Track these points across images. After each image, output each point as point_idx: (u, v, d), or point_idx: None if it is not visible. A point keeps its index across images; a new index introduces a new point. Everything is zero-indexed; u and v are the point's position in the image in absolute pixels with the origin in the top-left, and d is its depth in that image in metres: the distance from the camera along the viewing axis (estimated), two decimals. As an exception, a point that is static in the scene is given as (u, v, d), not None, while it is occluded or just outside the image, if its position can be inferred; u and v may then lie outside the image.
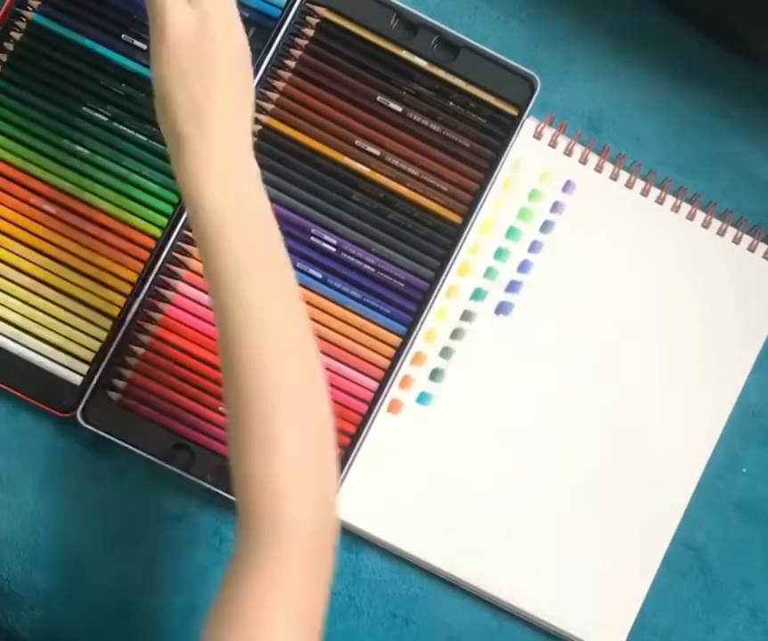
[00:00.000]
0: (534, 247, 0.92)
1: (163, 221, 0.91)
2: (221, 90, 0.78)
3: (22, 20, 0.92)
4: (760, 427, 0.92)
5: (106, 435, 0.88)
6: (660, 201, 0.92)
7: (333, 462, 0.77)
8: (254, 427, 0.74)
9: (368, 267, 0.92)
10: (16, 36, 0.92)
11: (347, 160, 0.93)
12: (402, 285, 0.92)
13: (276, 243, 0.79)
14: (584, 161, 0.93)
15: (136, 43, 0.93)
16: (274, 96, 0.93)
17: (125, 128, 0.92)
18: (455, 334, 0.91)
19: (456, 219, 0.92)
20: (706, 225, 0.92)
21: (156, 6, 0.79)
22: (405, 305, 0.91)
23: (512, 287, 0.92)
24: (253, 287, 0.76)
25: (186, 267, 0.91)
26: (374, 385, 0.91)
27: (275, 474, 0.73)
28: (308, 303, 0.90)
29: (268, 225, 0.79)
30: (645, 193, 0.92)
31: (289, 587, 0.72)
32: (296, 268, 0.90)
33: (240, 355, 0.75)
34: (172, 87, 0.79)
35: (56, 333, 0.90)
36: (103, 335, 0.90)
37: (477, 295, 0.92)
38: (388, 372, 0.90)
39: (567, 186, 0.93)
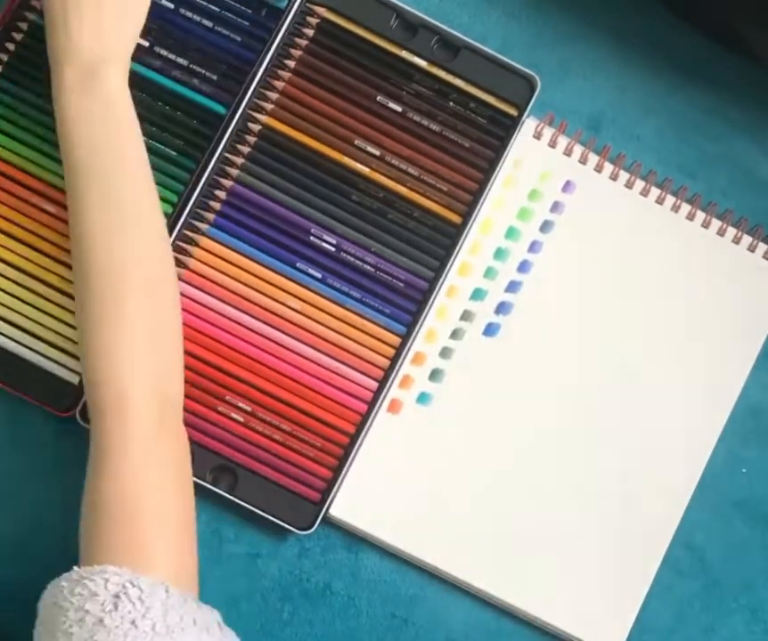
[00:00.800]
0: (533, 247, 0.92)
1: (163, 221, 0.91)
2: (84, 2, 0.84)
3: (24, 21, 0.93)
4: (760, 427, 0.92)
5: (105, 435, 0.88)
6: (660, 201, 0.92)
7: (174, 334, 0.82)
8: (99, 306, 0.80)
9: (368, 267, 0.92)
10: (17, 36, 0.92)
11: (346, 160, 0.93)
12: (401, 285, 0.92)
13: (126, 142, 0.84)
14: (583, 161, 0.93)
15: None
16: (274, 96, 0.93)
17: (125, 128, 0.92)
18: (455, 334, 0.91)
19: (456, 219, 0.92)
20: (706, 225, 0.92)
21: None
22: (405, 305, 0.91)
23: (512, 286, 0.92)
24: (100, 184, 0.82)
25: (185, 267, 0.91)
26: (374, 385, 0.90)
27: (117, 353, 0.78)
28: (308, 303, 0.91)
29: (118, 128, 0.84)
30: (645, 193, 0.92)
31: (145, 465, 0.76)
32: (295, 268, 0.91)
33: (88, 230, 0.81)
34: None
35: (55, 332, 0.90)
36: (103, 335, 0.90)
37: (477, 295, 0.92)
38: (388, 372, 0.90)
39: (567, 186, 0.93)
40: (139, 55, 0.92)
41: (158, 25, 0.93)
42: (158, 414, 0.78)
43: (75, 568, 0.74)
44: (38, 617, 0.75)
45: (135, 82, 0.91)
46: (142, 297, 0.80)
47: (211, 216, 0.91)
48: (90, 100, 0.83)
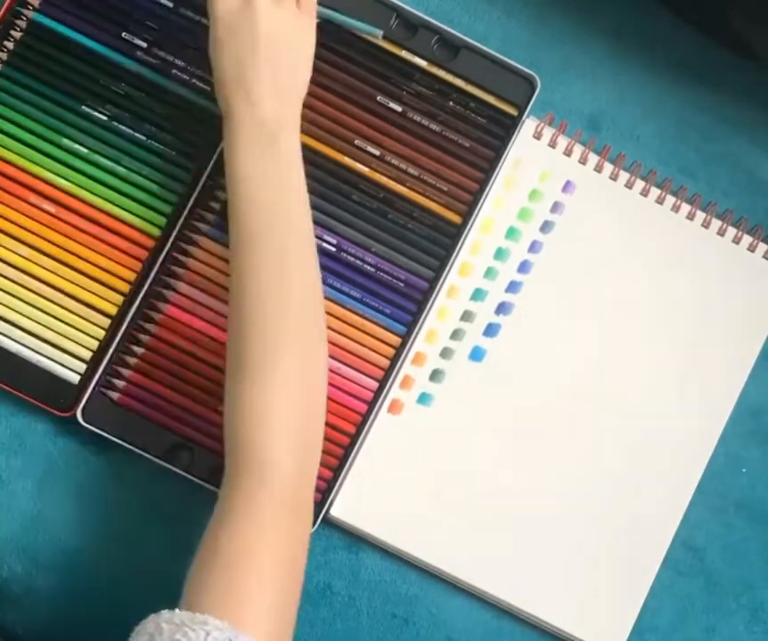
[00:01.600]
0: (534, 247, 0.92)
1: (162, 220, 0.91)
2: (261, 63, 0.84)
3: (23, 19, 0.92)
4: (760, 427, 0.92)
5: (106, 435, 0.88)
6: (660, 201, 0.92)
7: (320, 412, 0.82)
8: (253, 363, 0.79)
9: (368, 267, 0.92)
10: (16, 34, 0.92)
11: (346, 160, 0.92)
12: (402, 285, 0.92)
13: (297, 206, 0.84)
14: (583, 161, 0.93)
15: (136, 42, 0.93)
16: (274, 96, 0.93)
17: (124, 127, 0.92)
18: (456, 334, 0.91)
19: (456, 219, 0.92)
20: (706, 225, 0.92)
21: None
22: (405, 305, 0.91)
23: (512, 287, 0.92)
24: (270, 248, 0.82)
25: (186, 267, 0.91)
26: (374, 385, 0.90)
27: (270, 423, 0.78)
28: (308, 302, 0.91)
29: (292, 194, 0.84)
30: (645, 193, 0.92)
31: (270, 530, 0.76)
32: (296, 268, 0.90)
33: (251, 286, 0.81)
34: (218, 52, 0.85)
35: (54, 331, 0.90)
36: (101, 334, 0.90)
37: (478, 295, 0.92)
38: (388, 372, 0.90)
39: (567, 186, 0.93)
40: (139, 55, 0.92)
41: (157, 24, 0.93)
42: (294, 488, 0.78)
43: (177, 611, 0.72)
44: None
45: (135, 81, 0.92)
46: (297, 367, 0.80)
47: (212, 217, 0.91)
48: (269, 161, 0.83)
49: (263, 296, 0.80)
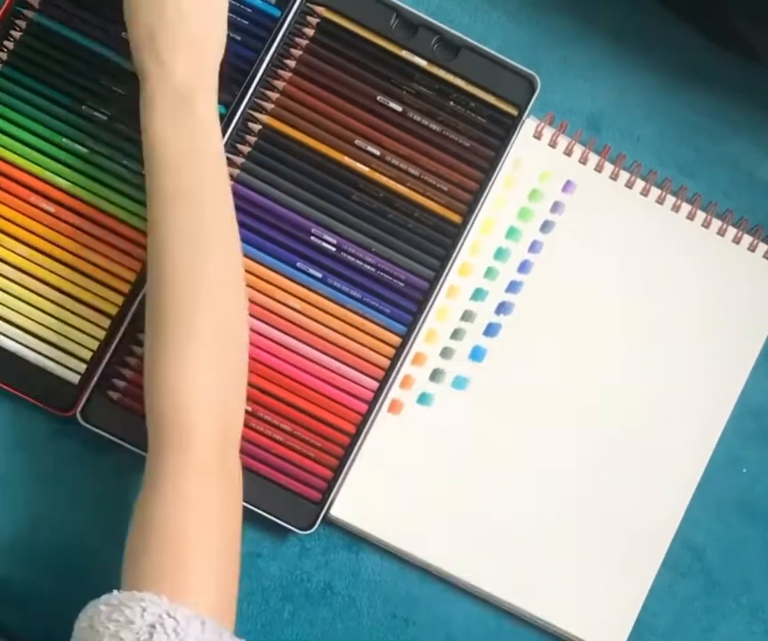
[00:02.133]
0: (534, 246, 0.92)
1: (162, 220, 0.91)
2: (172, 26, 0.83)
3: (23, 19, 0.92)
4: (760, 427, 0.92)
5: (106, 435, 0.88)
6: (660, 201, 0.92)
7: (241, 370, 0.81)
8: (170, 330, 0.79)
9: (368, 267, 0.91)
10: (16, 34, 0.92)
11: (347, 160, 0.92)
12: (402, 285, 0.91)
13: (210, 174, 0.84)
14: (584, 161, 0.93)
15: (136, 42, 0.92)
16: (274, 96, 0.92)
17: (124, 128, 0.92)
18: (456, 334, 0.91)
19: (456, 219, 0.92)
20: (706, 225, 0.92)
21: None
22: (405, 305, 0.91)
23: (513, 287, 0.92)
24: (184, 209, 0.81)
25: (186, 267, 0.91)
26: (374, 384, 0.90)
27: (186, 386, 0.77)
28: (308, 302, 0.91)
29: (204, 159, 0.84)
30: (645, 193, 0.92)
31: (198, 498, 0.76)
32: (296, 268, 0.90)
33: (167, 252, 0.81)
34: (131, 16, 0.85)
35: (54, 331, 0.90)
36: (102, 334, 0.90)
37: (478, 295, 0.92)
38: (388, 372, 0.90)
39: (568, 186, 0.93)
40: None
41: (157, 24, 0.93)
42: (217, 451, 0.78)
43: (114, 592, 0.73)
44: (73, 637, 0.74)
45: (136, 82, 0.92)
46: (212, 326, 0.79)
47: (211, 216, 0.91)
48: (182, 127, 0.82)
49: (177, 258, 0.80)
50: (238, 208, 0.90)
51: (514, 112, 0.93)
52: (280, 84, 0.93)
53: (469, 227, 0.92)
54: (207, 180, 0.83)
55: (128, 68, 0.92)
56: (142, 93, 0.84)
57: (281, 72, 0.93)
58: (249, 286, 0.90)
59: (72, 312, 0.90)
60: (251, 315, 0.90)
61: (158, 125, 0.82)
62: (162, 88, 0.83)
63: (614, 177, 0.93)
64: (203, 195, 0.82)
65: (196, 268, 0.80)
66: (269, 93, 0.92)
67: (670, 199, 0.92)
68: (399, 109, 0.93)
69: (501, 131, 0.93)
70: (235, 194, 0.91)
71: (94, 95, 0.92)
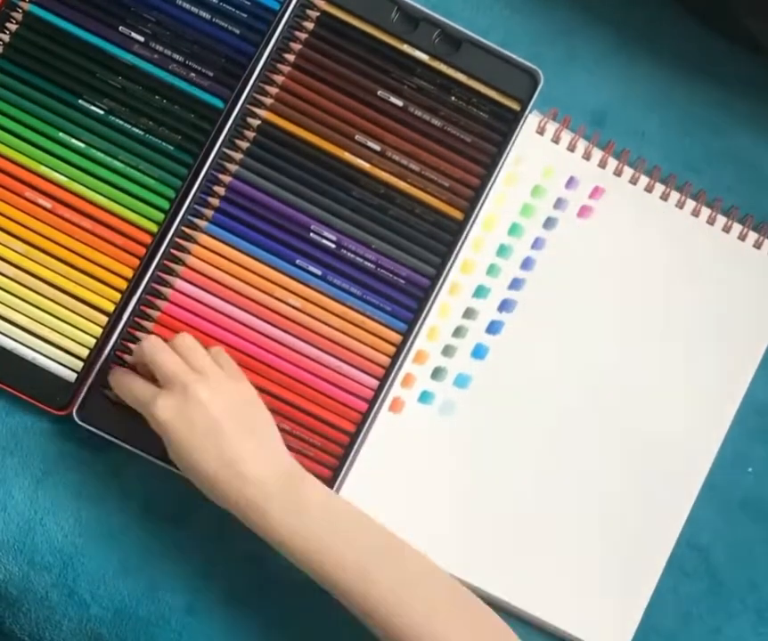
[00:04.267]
0: (537, 243, 0.91)
1: (159, 216, 0.90)
2: (234, 436, 0.80)
3: (18, 11, 0.92)
4: (766, 426, 0.91)
5: (103, 434, 0.87)
6: (665, 198, 0.92)
7: None
8: None
9: (368, 264, 0.91)
10: (12, 26, 0.91)
11: (347, 156, 0.92)
12: (403, 282, 0.91)
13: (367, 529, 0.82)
14: (587, 157, 0.92)
15: (133, 35, 0.92)
16: (274, 90, 0.92)
17: (121, 122, 0.91)
18: (458, 332, 0.90)
19: (458, 215, 0.91)
20: (711, 222, 0.92)
21: (140, 406, 0.83)
22: (406, 303, 0.90)
23: (515, 284, 0.91)
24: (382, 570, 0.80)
25: (183, 263, 0.90)
26: (375, 383, 0.90)
27: None
28: (308, 300, 0.90)
29: (352, 521, 0.82)
30: (650, 189, 0.92)
31: None
32: (295, 265, 0.90)
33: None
34: (188, 455, 0.80)
35: (50, 329, 0.89)
36: (98, 331, 0.89)
37: (480, 292, 0.91)
38: (389, 370, 0.90)
39: (571, 182, 0.92)
40: (136, 48, 0.91)
41: (155, 16, 0.92)
42: None
43: None
44: None
45: (132, 75, 0.91)
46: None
47: (210, 213, 0.90)
48: (304, 520, 0.80)
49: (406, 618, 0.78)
50: (236, 205, 0.90)
51: (517, 107, 0.92)
52: (279, 78, 0.92)
53: (470, 223, 0.91)
54: (361, 529, 0.81)
55: (125, 61, 0.91)
56: (248, 522, 0.80)
57: (280, 66, 0.92)
58: (248, 284, 0.90)
59: (69, 309, 0.89)
60: (251, 313, 0.89)
61: (289, 539, 0.79)
62: (261, 500, 0.79)
63: (618, 173, 0.92)
64: (382, 568, 0.80)
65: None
66: (268, 87, 0.92)
67: (674, 196, 0.92)
68: (400, 103, 0.92)
69: (503, 126, 0.92)
70: (234, 190, 0.91)
71: (91, 89, 0.91)
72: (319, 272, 0.90)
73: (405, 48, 0.93)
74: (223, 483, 0.80)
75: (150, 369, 0.84)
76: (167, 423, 0.80)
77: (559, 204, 0.92)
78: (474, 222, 0.91)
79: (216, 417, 0.80)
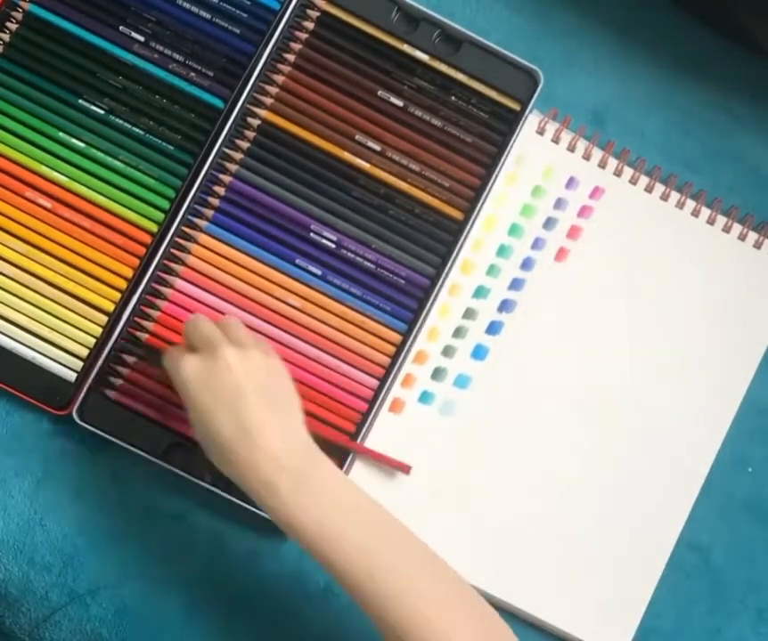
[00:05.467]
0: (537, 244, 0.91)
1: (159, 216, 0.90)
2: (257, 408, 0.78)
3: (18, 11, 0.92)
4: (766, 426, 0.91)
5: (103, 434, 0.87)
6: (665, 198, 0.92)
7: None
8: None
9: (368, 264, 0.91)
10: (12, 26, 0.91)
11: (347, 156, 0.91)
12: (403, 282, 0.91)
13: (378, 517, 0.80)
14: (587, 157, 0.92)
15: (134, 35, 0.92)
16: (274, 90, 0.91)
17: (121, 122, 0.91)
18: (458, 332, 0.90)
19: (458, 215, 0.91)
20: (711, 222, 0.92)
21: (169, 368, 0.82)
22: (406, 303, 0.90)
23: (515, 284, 0.91)
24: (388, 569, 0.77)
25: (183, 263, 0.90)
26: (375, 383, 0.90)
27: None
28: (308, 300, 0.90)
29: (364, 509, 0.80)
30: (649, 190, 0.92)
31: None
32: (295, 265, 0.90)
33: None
34: (208, 419, 0.78)
35: (50, 328, 0.89)
36: (98, 331, 0.89)
37: (480, 292, 0.91)
38: (389, 370, 0.89)
39: (571, 182, 0.92)
40: (136, 48, 0.91)
41: (155, 16, 0.92)
42: None
43: None
44: None
45: (132, 75, 0.91)
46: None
47: (210, 213, 0.90)
48: (312, 495, 0.78)
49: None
50: (236, 205, 0.90)
51: (517, 107, 0.92)
52: (279, 78, 0.92)
53: (471, 224, 0.91)
54: (384, 523, 0.80)
55: (126, 61, 0.91)
56: (257, 498, 0.78)
57: (280, 66, 0.92)
58: (248, 284, 0.90)
59: (69, 309, 0.89)
60: (251, 313, 0.89)
61: (298, 518, 0.77)
62: (276, 476, 0.77)
63: (618, 173, 0.92)
64: (394, 554, 0.79)
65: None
66: (268, 87, 0.92)
67: (675, 196, 0.92)
68: (400, 103, 0.92)
69: (503, 126, 0.92)
70: (234, 190, 0.90)
71: (91, 88, 0.91)
72: (319, 272, 0.90)
73: (405, 48, 0.93)
74: (236, 451, 0.77)
75: (189, 341, 0.82)
76: (188, 381, 0.79)
77: (559, 204, 0.92)
78: (474, 222, 0.91)
79: (239, 384, 0.78)
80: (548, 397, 0.90)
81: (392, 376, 0.89)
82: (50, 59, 0.91)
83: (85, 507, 0.88)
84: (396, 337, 0.90)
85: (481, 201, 0.91)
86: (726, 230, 0.92)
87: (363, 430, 0.89)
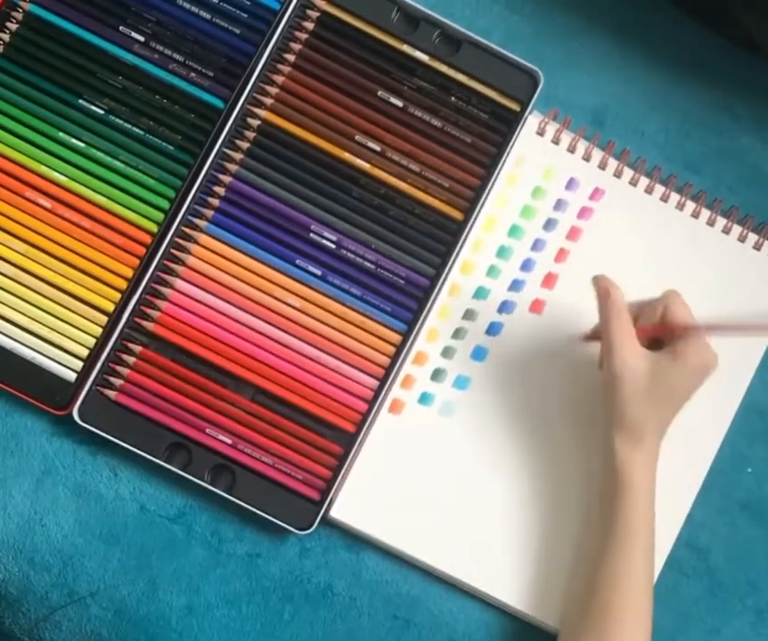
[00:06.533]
0: (536, 245, 0.91)
1: (159, 216, 0.90)
2: (664, 412, 0.85)
3: (18, 11, 0.91)
4: (766, 427, 0.91)
5: (103, 434, 0.87)
6: (665, 199, 0.92)
7: None
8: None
9: (368, 264, 0.91)
10: (12, 26, 0.91)
11: (347, 156, 0.91)
12: (403, 282, 0.91)
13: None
14: (587, 158, 0.92)
15: (134, 35, 0.92)
16: (274, 90, 0.91)
17: (121, 122, 0.91)
18: (457, 333, 0.90)
19: (458, 216, 0.91)
20: (711, 223, 0.92)
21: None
22: (406, 303, 0.90)
23: (515, 285, 0.91)
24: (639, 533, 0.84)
25: (183, 264, 0.90)
26: (375, 383, 0.90)
27: None
28: (308, 300, 0.90)
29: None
30: (650, 191, 0.92)
31: None
32: (295, 265, 0.90)
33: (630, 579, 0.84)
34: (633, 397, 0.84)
35: (50, 329, 0.89)
36: (98, 331, 0.89)
37: (480, 293, 0.91)
38: (389, 371, 0.89)
39: (571, 183, 0.92)
40: (136, 48, 0.91)
41: (155, 16, 0.92)
42: None
43: None
44: None
45: (133, 75, 0.91)
46: None
47: (210, 213, 0.90)
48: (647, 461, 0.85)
49: (639, 589, 0.83)
50: (236, 205, 0.90)
51: (517, 108, 0.92)
52: (279, 78, 0.92)
53: (470, 224, 0.91)
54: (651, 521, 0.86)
55: (126, 61, 0.91)
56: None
57: (280, 66, 0.92)
58: (248, 284, 0.90)
59: (69, 309, 0.89)
60: (251, 313, 0.89)
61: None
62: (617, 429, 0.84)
63: (618, 174, 0.92)
64: (651, 535, 0.85)
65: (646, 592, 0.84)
66: (268, 87, 0.92)
67: (675, 197, 0.92)
68: (400, 104, 0.92)
69: (503, 127, 0.92)
70: (234, 190, 0.90)
71: (91, 89, 0.91)
72: (319, 273, 0.90)
73: (405, 48, 0.93)
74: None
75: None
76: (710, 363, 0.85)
77: (559, 205, 0.92)
78: (474, 222, 0.91)
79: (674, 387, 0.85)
80: (547, 398, 0.90)
81: (392, 375, 0.89)
82: (50, 59, 0.91)
83: (85, 507, 0.88)
84: (396, 338, 0.90)
85: (481, 202, 0.91)
86: (726, 231, 0.92)
87: (363, 430, 0.89)
